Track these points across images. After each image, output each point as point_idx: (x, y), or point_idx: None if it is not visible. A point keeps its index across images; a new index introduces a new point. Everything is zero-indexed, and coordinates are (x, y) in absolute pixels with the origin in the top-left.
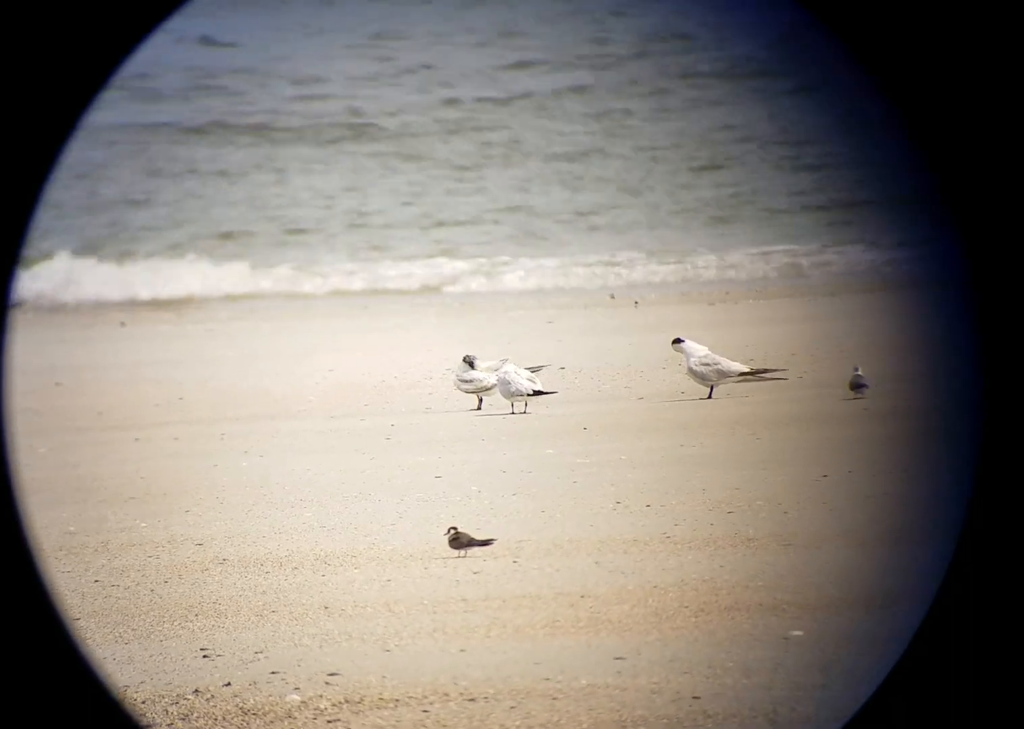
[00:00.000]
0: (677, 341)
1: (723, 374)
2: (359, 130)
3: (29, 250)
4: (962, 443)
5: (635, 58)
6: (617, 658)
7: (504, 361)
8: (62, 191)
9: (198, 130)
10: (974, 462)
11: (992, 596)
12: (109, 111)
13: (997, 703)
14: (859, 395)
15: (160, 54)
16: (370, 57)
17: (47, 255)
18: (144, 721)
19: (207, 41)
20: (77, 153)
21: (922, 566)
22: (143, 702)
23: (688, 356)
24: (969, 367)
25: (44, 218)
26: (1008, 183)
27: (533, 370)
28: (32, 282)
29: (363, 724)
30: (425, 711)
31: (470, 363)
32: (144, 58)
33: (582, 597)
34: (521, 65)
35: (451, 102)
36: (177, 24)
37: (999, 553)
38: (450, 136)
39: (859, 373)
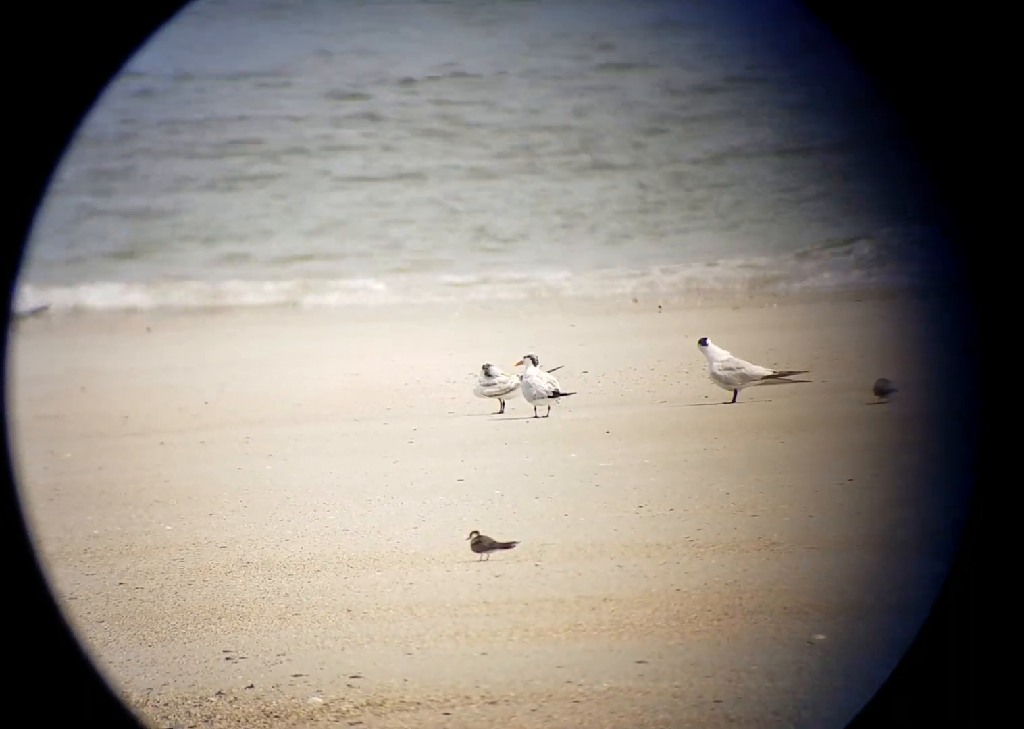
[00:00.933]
0: (703, 341)
1: (746, 378)
2: (384, 133)
3: (52, 257)
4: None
5: (658, 67)
6: (639, 662)
7: (528, 357)
8: (82, 201)
9: (219, 146)
10: (975, 465)
11: (995, 600)
12: (136, 119)
13: (999, 704)
14: (885, 399)
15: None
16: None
17: (73, 261)
18: (162, 725)
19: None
20: (97, 161)
21: (946, 571)
22: (166, 704)
23: (711, 360)
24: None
25: (67, 225)
26: (1010, 188)
27: (550, 371)
28: (55, 288)
29: (385, 727)
30: (447, 714)
31: (486, 371)
32: (145, 62)
33: (604, 601)
34: (548, 73)
35: (487, 107)
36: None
37: (1001, 557)
38: (484, 140)
39: (885, 378)
